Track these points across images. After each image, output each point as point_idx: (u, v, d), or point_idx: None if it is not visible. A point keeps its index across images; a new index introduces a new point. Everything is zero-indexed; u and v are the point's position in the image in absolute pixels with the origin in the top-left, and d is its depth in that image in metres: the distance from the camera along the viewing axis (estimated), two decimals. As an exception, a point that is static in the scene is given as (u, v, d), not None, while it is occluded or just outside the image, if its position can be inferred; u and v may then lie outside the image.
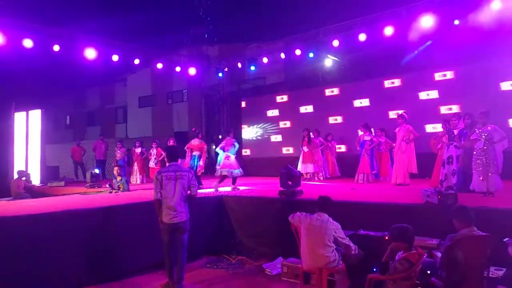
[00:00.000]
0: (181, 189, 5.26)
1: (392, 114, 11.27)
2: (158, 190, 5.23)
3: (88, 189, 10.11)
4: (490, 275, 4.03)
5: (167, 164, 5.76)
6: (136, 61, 13.29)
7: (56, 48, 11.24)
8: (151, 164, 12.45)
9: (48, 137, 15.20)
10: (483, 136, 6.52)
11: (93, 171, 11.01)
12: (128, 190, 9.37)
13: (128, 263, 6.27)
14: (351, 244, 4.68)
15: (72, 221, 5.84)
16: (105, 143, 14.86)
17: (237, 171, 9.05)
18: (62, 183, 12.12)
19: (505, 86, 9.95)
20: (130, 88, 24.58)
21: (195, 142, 9.76)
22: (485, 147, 6.49)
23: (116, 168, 9.75)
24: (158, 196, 5.25)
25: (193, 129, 10.48)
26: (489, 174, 6.41)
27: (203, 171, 9.90)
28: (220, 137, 16.27)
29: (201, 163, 9.60)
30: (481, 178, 6.47)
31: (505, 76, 9.94)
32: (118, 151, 12.91)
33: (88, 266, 5.79)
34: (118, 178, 9.49)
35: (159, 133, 19.80)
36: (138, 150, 12.60)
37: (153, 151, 12.47)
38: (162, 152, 12.56)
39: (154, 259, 6.35)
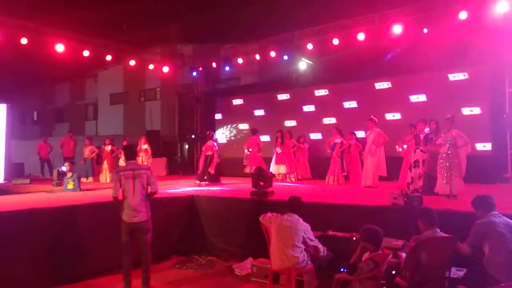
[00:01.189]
0: (140, 187, 5.13)
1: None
2: (118, 188, 5.12)
3: (54, 187, 9.79)
4: (451, 275, 4.18)
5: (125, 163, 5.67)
6: (108, 57, 13.01)
7: (23, 41, 10.86)
8: (121, 162, 12.18)
9: (14, 133, 14.64)
10: (448, 141, 6.77)
11: (60, 169, 10.64)
12: (79, 190, 8.86)
13: (91, 264, 6.06)
14: (320, 246, 4.74)
15: (32, 220, 5.62)
16: (74, 140, 14.46)
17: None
18: (27, 180, 11.69)
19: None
20: (102, 84, 24.02)
21: (209, 143, 10.87)
22: (449, 152, 6.74)
23: (67, 164, 9.25)
24: (117, 194, 5.13)
25: (208, 132, 11.52)
26: (453, 178, 6.66)
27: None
28: (193, 136, 16.16)
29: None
30: (444, 182, 6.71)
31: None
32: (87, 149, 12.59)
33: (49, 268, 5.58)
34: (69, 175, 8.94)
35: (131, 131, 19.43)
36: (108, 148, 12.32)
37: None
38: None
39: (119, 260, 6.10)
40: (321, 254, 4.73)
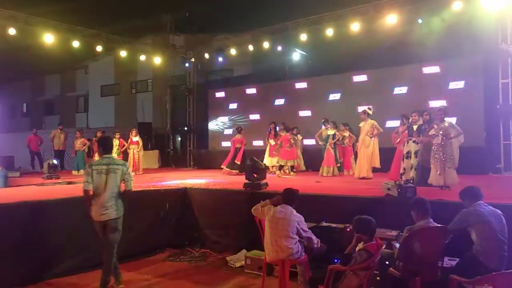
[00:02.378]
0: (112, 184, 4.81)
1: (361, 109, 11.45)
2: (90, 181, 4.77)
3: (45, 180, 9.68)
4: (444, 265, 4.20)
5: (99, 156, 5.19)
6: (98, 48, 12.83)
7: (12, 31, 10.65)
8: (113, 155, 12.07)
9: (3, 126, 14.43)
10: (441, 132, 6.77)
11: (51, 162, 10.51)
12: (5, 186, 8.42)
13: (64, 261, 5.79)
14: (314, 237, 4.73)
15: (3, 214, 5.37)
16: (65, 132, 14.31)
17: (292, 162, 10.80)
18: (17, 173, 11.52)
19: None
20: (92, 76, 23.71)
21: (238, 136, 11.71)
22: (442, 143, 6.74)
23: None
24: (89, 187, 4.78)
25: (236, 127, 12.26)
26: (446, 169, 6.67)
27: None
28: (185, 128, 16.06)
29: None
30: (438, 173, 6.73)
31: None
32: (78, 141, 12.47)
33: (19, 265, 5.33)
34: None
35: (122, 123, 19.25)
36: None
37: (116, 142, 12.09)
38: (125, 143, 12.26)
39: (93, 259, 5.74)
40: (315, 245, 4.71)
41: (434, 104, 10.04)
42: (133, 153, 12.00)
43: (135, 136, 12.13)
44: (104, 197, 4.78)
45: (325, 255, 4.86)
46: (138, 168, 12.06)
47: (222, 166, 11.68)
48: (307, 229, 4.72)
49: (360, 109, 10.31)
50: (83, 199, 4.90)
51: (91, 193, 4.81)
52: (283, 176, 10.52)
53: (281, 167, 10.84)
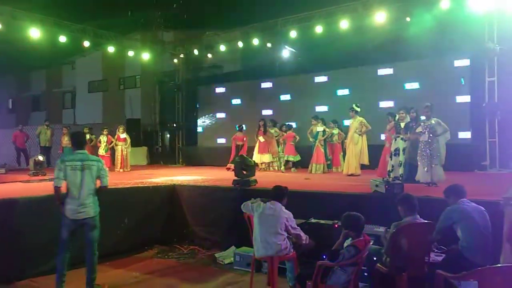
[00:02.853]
0: (89, 180, 4.68)
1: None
2: (62, 178, 4.59)
3: (31, 177, 9.53)
4: (431, 260, 4.26)
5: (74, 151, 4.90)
6: (86, 43, 12.65)
7: (-3, 25, 10.44)
8: (101, 151, 11.96)
9: (-12, 122, 14.15)
10: (427, 129, 6.84)
11: (37, 158, 10.35)
12: None
13: (50, 260, 5.44)
14: (302, 234, 4.74)
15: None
16: (51, 129, 14.13)
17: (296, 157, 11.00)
18: (3, 170, 11.35)
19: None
20: (80, 71, 23.34)
21: (239, 134, 11.61)
22: (429, 140, 6.82)
23: None
24: (60, 184, 4.60)
25: (238, 125, 11.94)
26: (433, 166, 6.75)
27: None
28: (174, 125, 15.96)
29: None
30: (425, 169, 6.80)
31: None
32: (64, 137, 12.32)
33: (2, 263, 5.22)
34: None
35: (110, 119, 19.01)
36: (86, 136, 12.01)
37: (103, 138, 11.98)
38: (113, 140, 12.15)
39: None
40: (303, 242, 4.73)
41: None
42: (121, 149, 11.92)
43: (123, 133, 12.06)
44: (82, 194, 4.64)
45: (314, 251, 4.88)
46: (126, 165, 11.98)
47: (228, 166, 11.35)
48: (296, 226, 4.73)
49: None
50: (54, 197, 4.70)
51: (62, 190, 4.62)
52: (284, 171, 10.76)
53: (287, 163, 11.03)
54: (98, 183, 4.84)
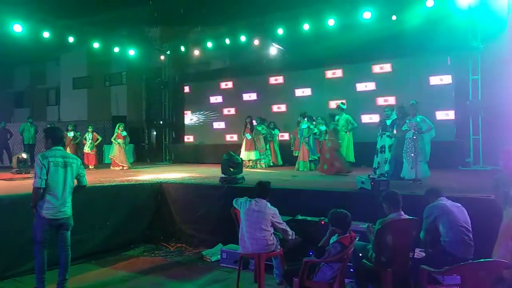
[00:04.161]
0: (70, 179, 4.51)
1: (333, 104, 11.59)
2: (44, 177, 4.30)
3: (14, 175, 9.36)
4: (415, 256, 4.32)
5: (49, 147, 4.58)
6: (70, 39, 12.44)
7: (-22, 20, 10.19)
8: (86, 149, 11.82)
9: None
10: (413, 127, 6.93)
11: (20, 156, 10.17)
12: None
13: (19, 261, 5.49)
14: (288, 229, 4.78)
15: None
16: (35, 126, 13.89)
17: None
18: (-16, 168, 11.12)
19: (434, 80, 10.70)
20: (64, 68, 22.94)
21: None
22: (414, 137, 6.91)
23: None
24: (43, 184, 4.31)
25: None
26: (418, 162, 6.85)
27: None
28: (161, 122, 15.83)
29: None
30: (410, 166, 6.89)
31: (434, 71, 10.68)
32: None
33: None
34: None
35: (96, 117, 18.78)
36: (71, 134, 11.87)
37: (89, 136, 11.83)
38: (98, 137, 12.00)
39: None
40: (290, 237, 4.77)
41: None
42: (119, 147, 11.68)
43: (123, 130, 11.87)
44: (64, 193, 4.46)
45: (300, 248, 4.91)
46: (124, 161, 11.74)
47: None
48: (282, 222, 4.76)
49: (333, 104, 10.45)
50: (32, 198, 4.35)
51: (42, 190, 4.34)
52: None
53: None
54: (75, 182, 4.68)
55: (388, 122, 7.94)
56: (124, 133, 11.92)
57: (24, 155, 10.43)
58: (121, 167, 11.48)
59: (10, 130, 14.35)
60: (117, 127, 11.91)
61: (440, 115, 10.44)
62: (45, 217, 4.39)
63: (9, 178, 8.92)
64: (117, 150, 11.62)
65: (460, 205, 4.34)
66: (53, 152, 4.51)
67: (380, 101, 11.28)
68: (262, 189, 4.87)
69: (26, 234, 5.36)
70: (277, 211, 4.75)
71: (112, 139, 11.84)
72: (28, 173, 9.66)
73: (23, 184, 7.67)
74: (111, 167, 11.59)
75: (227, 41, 12.96)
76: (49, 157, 4.41)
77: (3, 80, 26.62)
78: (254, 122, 11.54)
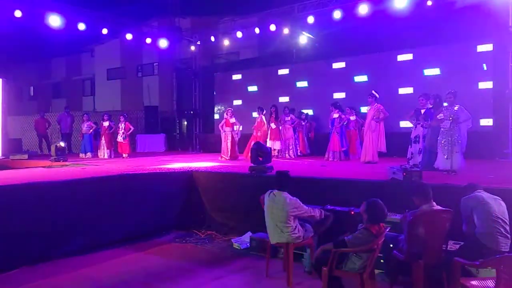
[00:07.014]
0: None
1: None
2: None
3: (52, 163, 9.79)
4: (448, 248, 4.21)
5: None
6: (104, 31, 12.75)
7: (17, 14, 10.60)
8: (119, 138, 12.16)
9: (10, 109, 14.51)
10: (450, 116, 6.69)
11: (58, 145, 10.61)
12: None
13: (72, 242, 5.94)
14: (313, 212, 4.70)
15: (24, 195, 5.56)
16: (71, 116, 14.42)
17: None
18: (25, 156, 11.67)
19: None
20: (98, 59, 23.64)
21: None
22: (450, 127, 6.66)
23: None
24: None
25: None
26: (453, 153, 6.62)
27: None
28: (192, 112, 16.05)
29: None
30: (445, 157, 6.67)
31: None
32: (84, 124, 12.56)
33: (27, 245, 5.43)
34: None
35: (129, 107, 19.27)
36: (106, 123, 12.23)
37: (121, 125, 12.15)
38: (131, 127, 12.30)
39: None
40: (318, 217, 4.74)
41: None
42: (231, 135, 11.07)
43: (231, 117, 11.16)
44: None
45: (331, 236, 4.88)
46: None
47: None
48: (304, 210, 4.66)
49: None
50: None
51: None
52: None
53: None
54: None
55: (422, 111, 7.70)
56: (233, 120, 11.15)
57: (62, 144, 10.86)
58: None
59: (48, 119, 14.96)
60: (225, 113, 11.31)
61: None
62: None
63: (47, 165, 9.35)
64: (227, 141, 11.05)
65: (498, 197, 4.19)
66: None
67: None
68: (281, 180, 4.81)
69: (61, 220, 5.82)
70: (297, 201, 4.65)
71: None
72: (66, 160, 10.08)
73: (61, 171, 8.02)
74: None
75: (257, 30, 12.90)
76: None
77: (41, 72, 27.77)
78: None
